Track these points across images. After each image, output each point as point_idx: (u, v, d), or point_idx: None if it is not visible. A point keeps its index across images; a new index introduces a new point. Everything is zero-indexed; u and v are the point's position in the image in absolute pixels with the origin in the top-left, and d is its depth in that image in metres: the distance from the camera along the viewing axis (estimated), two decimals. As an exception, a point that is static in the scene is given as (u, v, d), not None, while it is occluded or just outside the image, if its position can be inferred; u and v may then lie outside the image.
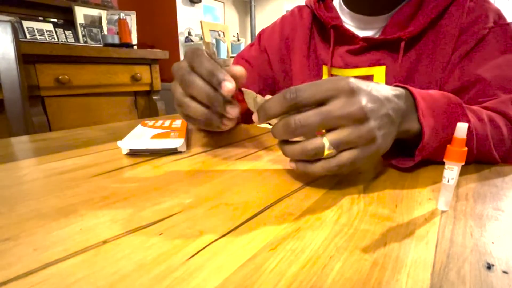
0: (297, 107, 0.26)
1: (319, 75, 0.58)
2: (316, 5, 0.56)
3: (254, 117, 0.28)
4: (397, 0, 0.51)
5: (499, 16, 0.48)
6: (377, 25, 0.53)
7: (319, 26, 0.58)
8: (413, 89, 0.31)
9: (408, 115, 0.30)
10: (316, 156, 0.26)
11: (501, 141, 0.38)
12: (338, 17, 0.54)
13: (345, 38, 0.54)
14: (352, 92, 0.25)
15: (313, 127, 0.25)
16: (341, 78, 0.26)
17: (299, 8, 0.63)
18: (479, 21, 0.47)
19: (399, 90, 0.30)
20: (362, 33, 0.54)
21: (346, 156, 0.26)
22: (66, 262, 0.18)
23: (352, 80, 0.26)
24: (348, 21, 0.56)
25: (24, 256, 0.19)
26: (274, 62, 0.64)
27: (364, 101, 0.25)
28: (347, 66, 0.54)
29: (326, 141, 0.25)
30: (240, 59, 0.67)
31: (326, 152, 0.25)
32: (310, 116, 0.25)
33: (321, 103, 0.26)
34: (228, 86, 0.29)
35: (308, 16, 0.59)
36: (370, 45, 0.51)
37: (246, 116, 0.56)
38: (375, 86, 0.28)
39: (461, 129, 0.23)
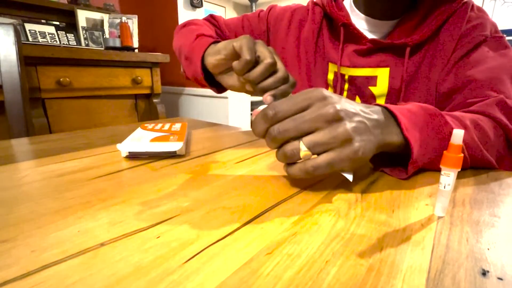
0: (280, 121, 0.28)
1: (324, 72, 0.60)
2: (329, 3, 0.58)
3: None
4: (405, 7, 0.53)
5: (495, 29, 0.50)
6: (385, 29, 0.55)
7: (329, 24, 0.60)
8: (391, 106, 0.33)
9: (389, 128, 0.31)
10: (294, 157, 0.28)
11: (490, 143, 0.38)
12: (348, 16, 0.56)
13: (353, 38, 0.55)
14: (325, 98, 0.28)
15: (290, 132, 0.27)
16: (316, 89, 0.28)
17: (313, 3, 0.65)
18: (477, 29, 0.49)
19: (373, 106, 0.32)
20: (369, 35, 0.56)
21: (322, 158, 0.27)
22: (64, 264, 0.18)
23: (325, 90, 0.28)
24: (357, 23, 0.58)
25: (22, 257, 0.19)
26: (273, 41, 0.66)
27: (337, 103, 0.27)
28: (352, 65, 0.56)
29: (301, 143, 0.27)
30: (243, 18, 0.69)
31: (302, 153, 0.27)
32: (286, 123, 0.27)
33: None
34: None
35: (319, 13, 0.61)
36: (376, 47, 0.53)
37: None
38: (348, 100, 0.30)
39: (457, 135, 0.23)
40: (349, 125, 0.27)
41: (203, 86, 0.50)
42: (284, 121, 0.27)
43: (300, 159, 0.28)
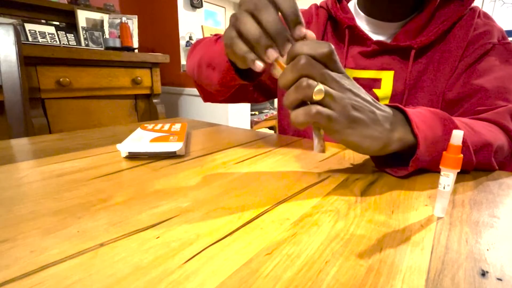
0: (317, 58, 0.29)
1: None
2: (334, 5, 0.58)
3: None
4: (410, 9, 0.53)
5: (503, 35, 0.50)
6: (390, 31, 0.55)
7: (334, 26, 0.60)
8: (403, 107, 0.34)
9: (400, 125, 0.32)
10: (308, 88, 0.28)
11: (497, 149, 0.38)
12: (353, 19, 0.56)
13: (358, 40, 0.55)
14: (351, 79, 0.32)
15: (314, 68, 0.28)
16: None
17: (316, 6, 0.65)
18: (485, 36, 0.49)
19: (385, 106, 0.34)
20: (374, 37, 0.56)
21: (325, 109, 0.29)
22: (63, 264, 0.18)
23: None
24: (362, 25, 0.58)
25: (21, 258, 0.19)
26: None
27: (356, 85, 0.31)
28: (357, 67, 0.56)
29: (319, 84, 0.29)
30: None
31: (317, 89, 0.28)
32: (317, 63, 0.29)
33: None
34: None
35: (324, 16, 0.61)
36: (382, 49, 0.53)
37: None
38: (367, 94, 0.32)
39: (457, 136, 0.23)
40: (347, 99, 0.30)
41: (232, 87, 0.48)
42: (317, 62, 0.29)
43: (310, 98, 0.29)
